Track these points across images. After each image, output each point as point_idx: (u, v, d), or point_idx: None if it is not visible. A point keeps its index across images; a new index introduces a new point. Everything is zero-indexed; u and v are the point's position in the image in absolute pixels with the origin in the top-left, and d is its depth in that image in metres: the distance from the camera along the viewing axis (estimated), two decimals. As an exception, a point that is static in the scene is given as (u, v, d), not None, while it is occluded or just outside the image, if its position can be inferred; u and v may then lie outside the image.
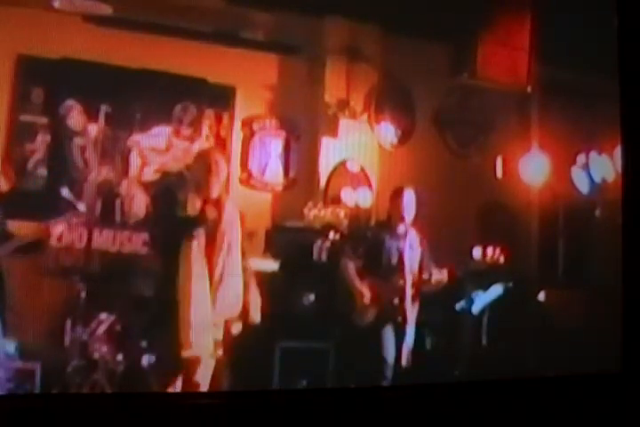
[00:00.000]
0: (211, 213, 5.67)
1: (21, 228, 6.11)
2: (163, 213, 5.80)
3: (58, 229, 6.00)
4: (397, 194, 6.40)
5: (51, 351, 6.14)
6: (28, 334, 6.03)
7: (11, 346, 5.78)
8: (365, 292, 6.21)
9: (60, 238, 6.52)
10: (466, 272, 6.57)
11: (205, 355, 5.61)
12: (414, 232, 6.37)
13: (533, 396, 5.39)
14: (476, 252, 6.26)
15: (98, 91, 6.90)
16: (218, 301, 5.64)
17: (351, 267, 6.30)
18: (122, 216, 7.04)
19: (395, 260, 6.31)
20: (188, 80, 7.21)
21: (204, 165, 5.80)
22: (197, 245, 5.60)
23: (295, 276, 6.84)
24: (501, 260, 6.32)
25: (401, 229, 6.36)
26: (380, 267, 6.30)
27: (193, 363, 5.57)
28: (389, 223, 6.43)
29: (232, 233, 5.74)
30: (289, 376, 6.40)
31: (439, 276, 6.32)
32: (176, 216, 5.66)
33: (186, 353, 5.54)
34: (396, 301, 6.25)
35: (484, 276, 6.82)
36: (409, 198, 6.34)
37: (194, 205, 5.67)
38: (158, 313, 5.76)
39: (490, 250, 6.27)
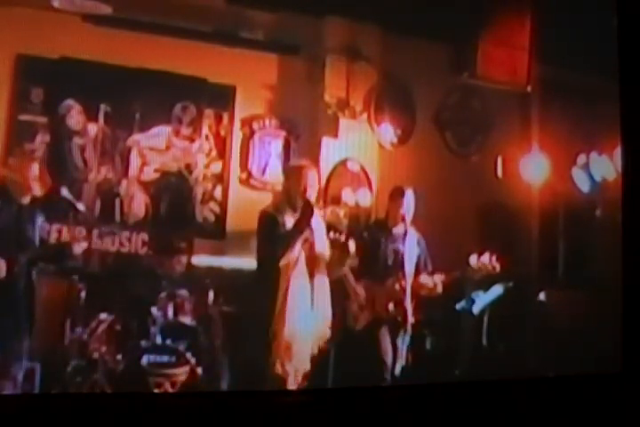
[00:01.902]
0: (304, 228, 5.76)
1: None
2: (265, 237, 5.87)
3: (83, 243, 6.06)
4: (397, 194, 6.37)
5: (50, 351, 6.13)
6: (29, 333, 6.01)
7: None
8: (360, 292, 6.20)
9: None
10: (462, 279, 6.54)
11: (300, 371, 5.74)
12: (413, 232, 6.35)
13: (533, 396, 5.38)
14: (473, 259, 6.24)
15: (97, 90, 6.92)
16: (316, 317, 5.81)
17: (346, 267, 6.29)
18: (122, 216, 7.05)
19: (391, 260, 6.29)
20: (187, 80, 7.21)
21: (297, 180, 5.90)
22: (297, 261, 5.73)
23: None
24: (497, 268, 6.29)
25: (400, 229, 6.34)
26: (377, 267, 6.28)
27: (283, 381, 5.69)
28: (387, 223, 6.41)
29: (322, 246, 5.85)
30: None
31: (435, 282, 6.28)
32: (276, 236, 5.76)
33: (277, 370, 5.66)
34: (393, 301, 6.23)
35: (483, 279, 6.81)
36: (408, 198, 6.31)
37: (289, 223, 5.78)
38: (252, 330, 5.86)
39: (486, 258, 6.24)
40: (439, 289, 6.27)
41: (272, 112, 7.63)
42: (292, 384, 5.71)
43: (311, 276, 5.80)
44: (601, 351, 5.99)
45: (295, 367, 5.71)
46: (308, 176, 5.91)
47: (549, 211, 7.91)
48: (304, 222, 5.75)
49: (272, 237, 5.77)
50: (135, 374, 6.03)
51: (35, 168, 5.84)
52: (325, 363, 6.34)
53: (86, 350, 6.09)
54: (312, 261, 5.82)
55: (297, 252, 5.74)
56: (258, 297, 5.86)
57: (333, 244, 5.99)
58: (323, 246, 5.88)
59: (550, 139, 7.75)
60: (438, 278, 6.26)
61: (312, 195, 5.87)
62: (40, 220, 5.83)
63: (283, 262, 5.70)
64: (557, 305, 7.47)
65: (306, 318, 5.75)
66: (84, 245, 6.01)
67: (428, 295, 6.29)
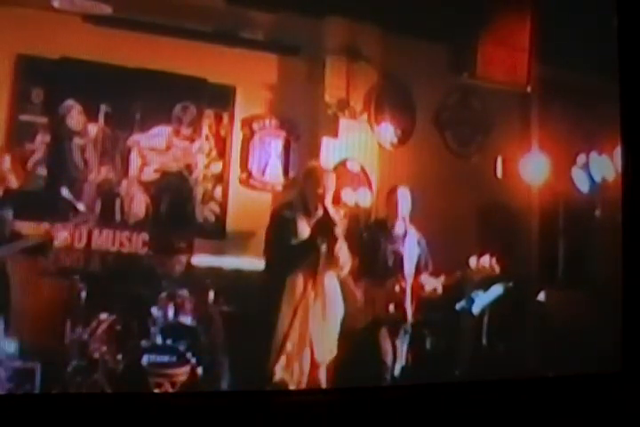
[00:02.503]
0: (323, 241, 5.78)
1: (26, 228, 6.16)
2: (277, 240, 5.89)
3: (63, 232, 6.06)
4: (391, 192, 6.42)
5: (51, 351, 6.14)
6: (28, 333, 6.02)
7: (11, 345, 5.79)
8: (358, 294, 6.21)
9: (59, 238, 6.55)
10: (462, 280, 6.54)
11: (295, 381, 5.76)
12: (413, 232, 6.36)
13: (533, 396, 5.38)
14: (473, 261, 6.25)
15: (97, 90, 6.91)
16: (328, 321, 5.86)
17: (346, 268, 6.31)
18: (122, 216, 7.05)
19: (391, 261, 6.30)
20: (187, 80, 7.21)
21: (313, 183, 5.90)
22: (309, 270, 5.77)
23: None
24: (497, 270, 6.30)
25: (398, 228, 6.35)
26: (377, 267, 6.29)
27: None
28: (387, 223, 6.42)
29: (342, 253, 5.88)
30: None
31: (435, 284, 6.29)
32: (290, 244, 5.79)
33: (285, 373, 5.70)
34: (393, 302, 6.23)
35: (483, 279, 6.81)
36: (403, 197, 6.34)
37: (303, 229, 5.80)
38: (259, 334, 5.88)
39: (486, 259, 6.24)
40: (439, 291, 6.27)
41: (272, 112, 7.63)
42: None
43: (321, 278, 5.83)
44: (601, 351, 5.99)
45: (303, 371, 5.75)
46: (326, 179, 5.92)
47: (549, 211, 7.90)
48: (322, 236, 5.74)
49: (285, 242, 5.79)
50: (135, 374, 6.04)
51: (6, 160, 5.86)
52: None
53: (86, 350, 6.10)
54: (324, 264, 5.84)
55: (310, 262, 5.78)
56: (265, 298, 5.89)
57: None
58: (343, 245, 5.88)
59: (550, 139, 7.74)
60: (438, 280, 6.26)
61: (329, 199, 5.87)
62: (11, 213, 5.84)
63: (296, 266, 5.74)
64: (557, 305, 7.47)
65: (319, 322, 5.80)
66: (65, 235, 6.02)
67: (428, 297, 6.30)
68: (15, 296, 5.88)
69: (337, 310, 5.90)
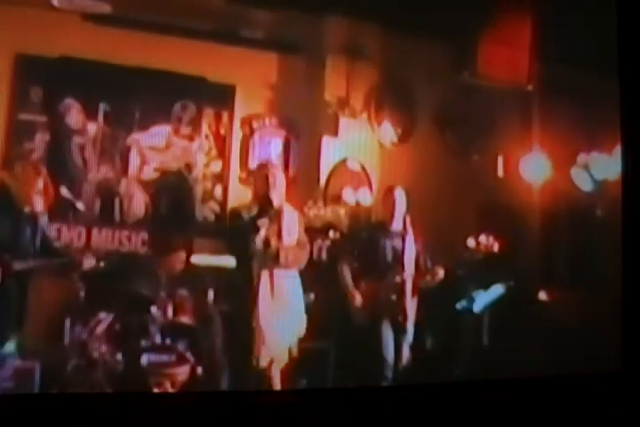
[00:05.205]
0: (272, 225, 6.05)
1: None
2: (235, 239, 6.21)
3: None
4: (388, 193, 6.46)
5: (50, 351, 6.14)
6: (27, 333, 6.02)
7: (11, 345, 5.80)
8: (358, 296, 6.25)
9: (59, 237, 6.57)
10: (462, 264, 6.56)
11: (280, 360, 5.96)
12: (411, 231, 6.37)
13: (533, 396, 5.38)
14: (470, 242, 6.30)
15: (97, 89, 6.90)
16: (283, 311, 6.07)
17: (347, 271, 6.34)
18: (121, 215, 7.05)
19: (390, 259, 6.32)
20: (187, 79, 7.19)
21: (262, 179, 6.22)
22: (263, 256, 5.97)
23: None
24: (495, 248, 6.34)
25: (397, 227, 6.37)
26: (377, 267, 6.31)
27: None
28: (385, 223, 6.44)
29: (289, 239, 6.09)
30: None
31: (436, 273, 6.32)
32: (242, 230, 6.06)
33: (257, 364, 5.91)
34: (394, 299, 6.25)
35: (483, 271, 6.81)
36: (400, 196, 6.38)
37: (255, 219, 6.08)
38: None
39: (483, 238, 6.29)
40: (441, 277, 6.33)
41: (272, 111, 7.62)
42: (274, 378, 5.94)
43: (272, 269, 6.01)
44: (601, 351, 5.99)
45: (271, 361, 5.95)
46: (273, 174, 6.25)
47: (550, 210, 7.90)
48: (260, 218, 6.01)
49: (240, 240, 6.04)
50: (135, 374, 6.04)
51: (39, 183, 5.90)
52: (325, 361, 6.38)
53: (86, 349, 6.09)
54: (277, 255, 6.02)
55: (260, 246, 5.99)
56: (240, 295, 6.09)
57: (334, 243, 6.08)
58: (290, 240, 6.08)
59: (551, 138, 7.74)
60: (438, 271, 6.32)
61: (278, 193, 6.15)
62: (41, 230, 5.88)
63: (254, 258, 5.94)
64: (557, 305, 7.46)
65: (273, 313, 5.99)
66: (92, 262, 6.11)
67: (430, 287, 6.34)
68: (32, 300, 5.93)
69: (290, 298, 6.04)
